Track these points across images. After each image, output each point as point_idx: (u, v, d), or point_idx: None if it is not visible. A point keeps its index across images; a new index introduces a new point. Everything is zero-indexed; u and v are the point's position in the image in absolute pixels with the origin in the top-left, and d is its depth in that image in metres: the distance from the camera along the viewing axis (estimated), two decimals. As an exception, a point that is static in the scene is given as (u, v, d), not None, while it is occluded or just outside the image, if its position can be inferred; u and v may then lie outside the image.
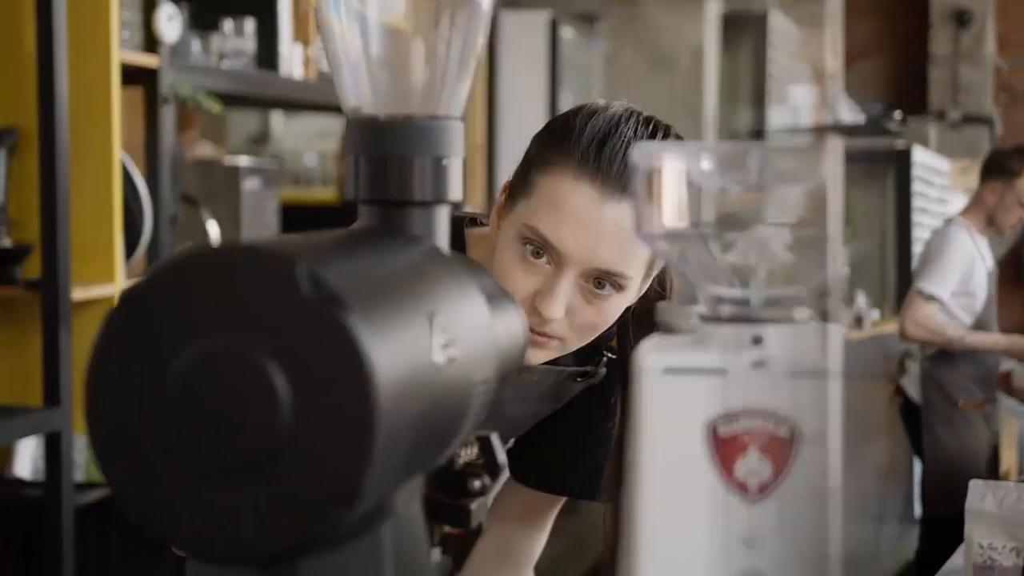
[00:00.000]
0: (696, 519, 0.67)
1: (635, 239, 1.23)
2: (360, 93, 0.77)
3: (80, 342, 2.50)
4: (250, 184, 3.23)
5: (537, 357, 1.31)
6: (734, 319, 0.69)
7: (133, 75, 2.75)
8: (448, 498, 0.83)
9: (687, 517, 0.67)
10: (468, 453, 0.84)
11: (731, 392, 0.66)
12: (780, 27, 7.52)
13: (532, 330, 1.26)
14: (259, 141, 5.89)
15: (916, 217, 7.05)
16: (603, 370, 1.43)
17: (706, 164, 0.68)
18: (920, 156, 7.18)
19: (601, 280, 1.26)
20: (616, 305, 1.29)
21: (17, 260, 2.46)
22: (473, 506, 0.83)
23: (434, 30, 0.78)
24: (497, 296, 0.84)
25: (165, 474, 0.61)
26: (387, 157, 0.75)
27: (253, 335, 0.59)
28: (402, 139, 0.76)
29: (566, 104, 4.90)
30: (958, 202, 8.26)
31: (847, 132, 5.96)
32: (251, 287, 0.60)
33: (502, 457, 0.85)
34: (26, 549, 2.59)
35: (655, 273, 1.34)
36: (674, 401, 0.67)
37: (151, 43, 2.78)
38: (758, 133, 7.60)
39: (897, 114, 6.61)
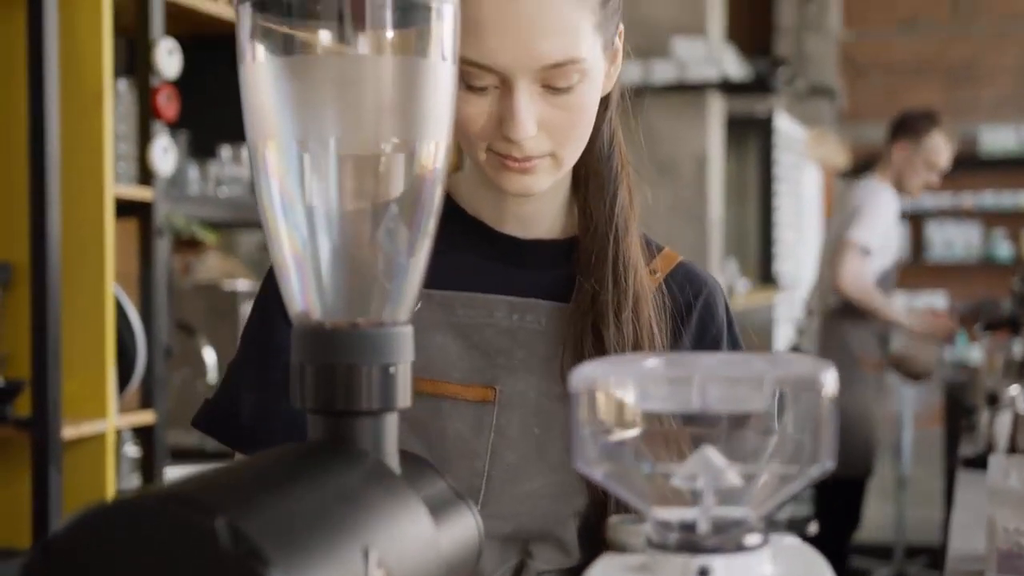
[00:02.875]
0: None
1: (570, 15, 1.12)
2: (307, 299, 0.76)
3: (71, 482, 2.48)
4: (248, 310, 3.22)
5: (538, 183, 1.18)
6: (681, 547, 0.66)
7: (128, 207, 2.76)
8: None
9: None
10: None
11: (677, 629, 0.64)
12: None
13: (515, 159, 1.16)
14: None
15: (775, 185, 7.13)
16: None
17: (648, 388, 0.67)
18: (781, 123, 7.21)
19: (556, 83, 1.13)
20: (588, 94, 1.17)
21: (8, 398, 2.44)
22: None
23: (379, 237, 0.76)
24: (447, 502, 0.82)
25: None
26: (334, 366, 0.74)
27: (172, 591, 0.57)
28: (349, 348, 0.74)
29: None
30: (811, 170, 8.40)
31: (731, 88, 5.98)
32: (170, 541, 0.58)
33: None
34: None
35: (614, 33, 1.21)
36: (619, 637, 0.65)
37: (146, 174, 2.79)
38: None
39: (781, 71, 6.58)
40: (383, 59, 0.74)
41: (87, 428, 2.56)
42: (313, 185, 0.75)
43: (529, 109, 1.13)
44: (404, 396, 0.76)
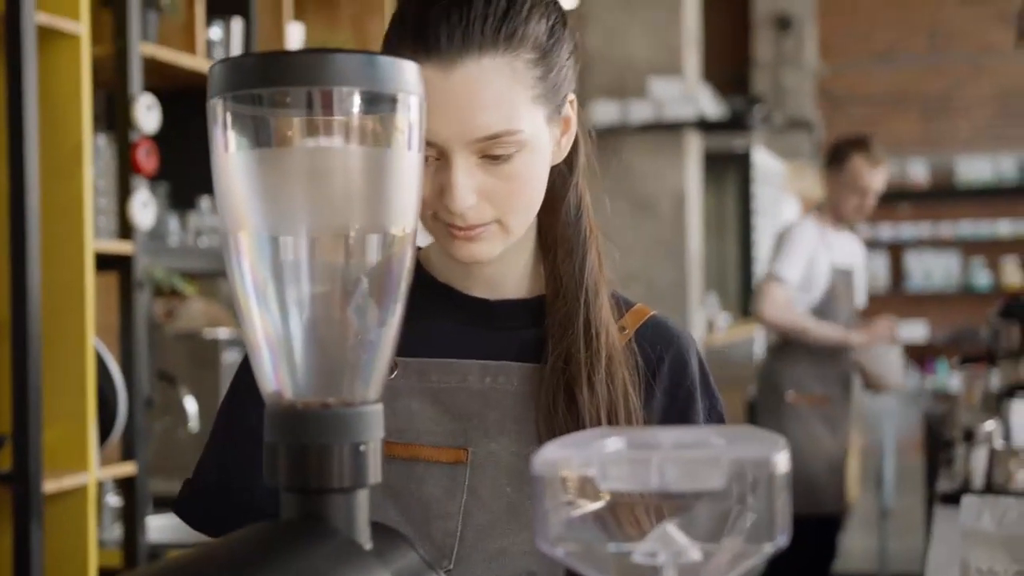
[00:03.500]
0: None
1: (504, 89, 1.15)
2: (279, 380, 0.78)
3: (53, 535, 2.48)
4: (230, 357, 3.25)
5: (486, 251, 1.21)
6: (642, 624, 0.69)
7: (108, 261, 2.78)
8: None
9: None
10: None
11: None
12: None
13: (459, 227, 1.19)
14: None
15: (753, 219, 7.18)
16: None
17: (609, 468, 0.69)
18: (759, 158, 7.26)
19: (493, 153, 1.16)
20: (529, 164, 1.19)
21: (-10, 453, 2.45)
22: None
23: (349, 319, 0.79)
24: (418, 573, 0.84)
25: None
26: (306, 446, 0.76)
27: None
28: (320, 427, 0.76)
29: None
30: (791, 204, 8.47)
31: (708, 127, 6.04)
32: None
33: None
34: None
35: (561, 102, 1.23)
36: None
37: (126, 228, 2.81)
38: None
39: (757, 109, 6.65)
40: (352, 150, 0.77)
41: (68, 481, 2.56)
42: (284, 271, 0.77)
43: (466, 181, 1.16)
44: (375, 472, 0.78)
